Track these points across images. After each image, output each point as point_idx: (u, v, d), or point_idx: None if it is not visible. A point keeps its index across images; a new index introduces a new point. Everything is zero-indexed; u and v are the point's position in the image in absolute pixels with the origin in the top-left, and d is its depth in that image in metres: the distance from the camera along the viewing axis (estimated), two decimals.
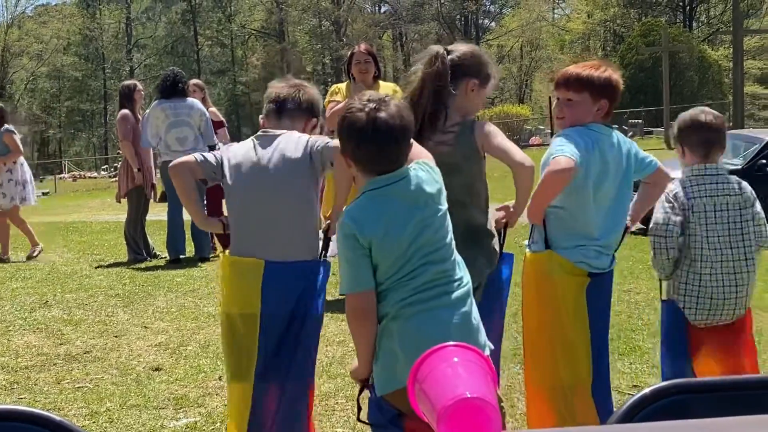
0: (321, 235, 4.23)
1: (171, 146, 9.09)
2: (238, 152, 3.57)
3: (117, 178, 10.07)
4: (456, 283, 2.72)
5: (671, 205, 3.82)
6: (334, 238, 5.16)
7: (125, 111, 9.60)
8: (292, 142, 3.51)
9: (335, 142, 3.39)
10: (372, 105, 2.64)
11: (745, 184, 3.94)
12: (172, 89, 9.21)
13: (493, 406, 1.21)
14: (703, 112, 3.95)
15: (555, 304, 3.64)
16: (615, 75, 3.67)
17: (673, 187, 3.84)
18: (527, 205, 3.59)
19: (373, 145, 2.64)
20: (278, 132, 3.58)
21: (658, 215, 3.87)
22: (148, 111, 9.43)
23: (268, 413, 3.43)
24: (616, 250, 3.77)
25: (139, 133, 9.43)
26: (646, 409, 1.51)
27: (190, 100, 9.29)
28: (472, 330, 2.72)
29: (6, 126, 9.93)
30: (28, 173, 10.23)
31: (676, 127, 4.03)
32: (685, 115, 4.02)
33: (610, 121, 3.71)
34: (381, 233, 2.61)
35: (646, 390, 1.55)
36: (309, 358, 3.53)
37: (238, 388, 3.50)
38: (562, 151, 3.42)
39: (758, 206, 3.90)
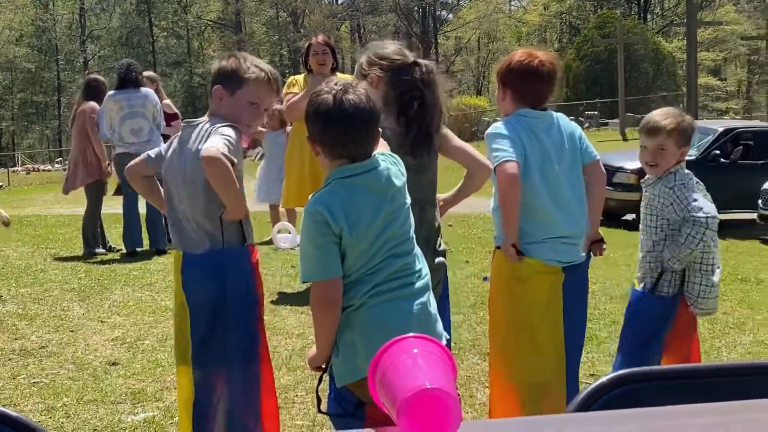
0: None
1: (125, 138, 8.94)
2: (173, 143, 3.55)
3: (68, 171, 9.77)
4: (416, 275, 2.73)
5: (704, 194, 3.77)
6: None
7: (94, 103, 9.33)
8: (201, 133, 3.42)
9: (208, 148, 3.23)
10: (339, 87, 2.62)
11: None
12: (125, 80, 9.08)
13: (453, 397, 1.21)
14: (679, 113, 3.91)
15: (526, 304, 3.64)
16: (518, 57, 3.69)
17: (693, 176, 3.81)
18: (502, 224, 3.60)
19: (340, 126, 2.60)
20: (198, 121, 3.51)
21: (709, 205, 3.74)
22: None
23: (212, 400, 3.42)
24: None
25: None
26: (603, 397, 1.52)
27: (144, 90, 9.12)
28: (430, 320, 2.74)
29: None
30: None
31: (680, 128, 3.78)
32: (682, 117, 3.83)
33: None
34: (352, 223, 2.59)
35: (603, 378, 1.56)
36: (248, 344, 3.45)
37: (182, 376, 3.51)
38: (500, 158, 3.48)
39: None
